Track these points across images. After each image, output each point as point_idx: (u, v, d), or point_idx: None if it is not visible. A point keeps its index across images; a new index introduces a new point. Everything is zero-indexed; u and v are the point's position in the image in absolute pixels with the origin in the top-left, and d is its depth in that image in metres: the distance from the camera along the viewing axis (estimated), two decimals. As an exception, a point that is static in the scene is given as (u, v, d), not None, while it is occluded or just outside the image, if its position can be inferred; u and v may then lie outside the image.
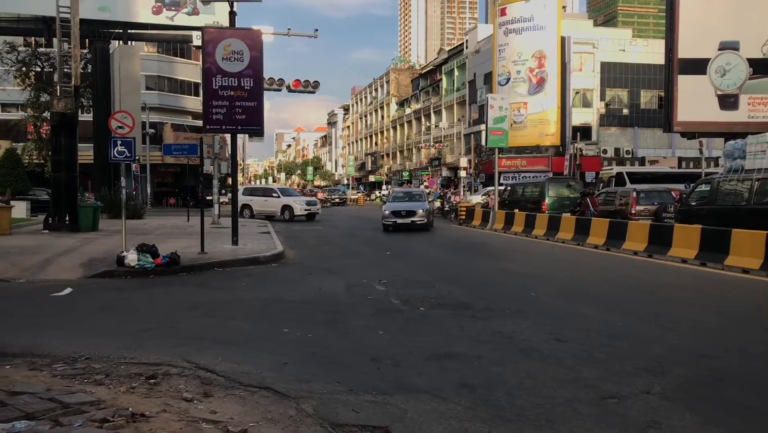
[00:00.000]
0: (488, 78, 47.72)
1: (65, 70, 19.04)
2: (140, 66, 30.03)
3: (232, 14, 17.18)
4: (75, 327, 7.40)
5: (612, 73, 45.46)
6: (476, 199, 32.35)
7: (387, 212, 22.33)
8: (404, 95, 78.05)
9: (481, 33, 55.31)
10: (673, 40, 29.18)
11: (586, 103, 45.51)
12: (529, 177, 38.03)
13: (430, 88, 67.69)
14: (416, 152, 70.11)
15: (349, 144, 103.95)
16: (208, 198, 27.92)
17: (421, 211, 22.15)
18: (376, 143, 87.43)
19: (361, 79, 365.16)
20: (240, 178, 43.08)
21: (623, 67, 45.49)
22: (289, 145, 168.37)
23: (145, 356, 5.76)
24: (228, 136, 20.02)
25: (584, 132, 44.10)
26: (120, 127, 13.21)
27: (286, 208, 29.26)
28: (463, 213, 27.18)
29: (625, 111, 46.27)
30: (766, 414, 4.47)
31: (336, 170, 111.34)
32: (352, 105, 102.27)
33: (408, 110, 74.31)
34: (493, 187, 37.65)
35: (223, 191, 38.45)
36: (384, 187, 69.83)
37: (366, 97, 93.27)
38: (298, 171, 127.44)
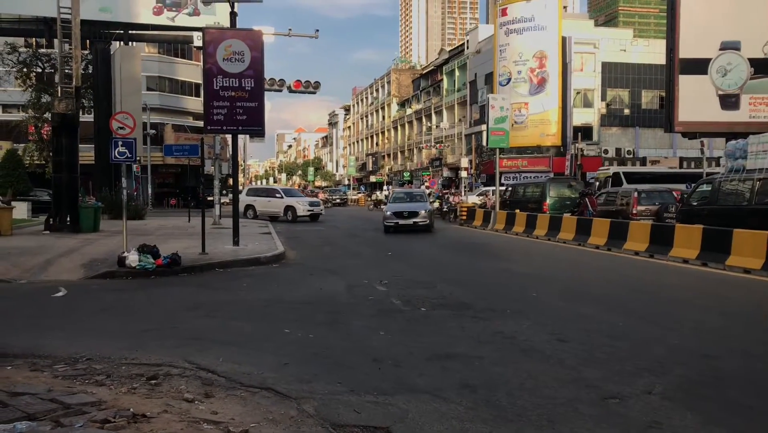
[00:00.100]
0: (489, 78, 47.72)
1: (66, 71, 19.06)
2: (141, 67, 30.03)
3: (233, 15, 17.20)
4: (76, 328, 7.40)
5: (613, 73, 45.44)
6: (471, 199, 32.24)
7: (388, 213, 22.08)
8: (405, 96, 78.05)
9: (481, 33, 55.32)
10: (674, 40, 29.18)
11: (587, 104, 45.48)
12: (531, 177, 38.03)
13: (431, 89, 67.70)
14: (417, 153, 70.09)
15: (350, 144, 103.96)
16: (209, 199, 27.95)
17: (423, 212, 21.97)
18: (377, 144, 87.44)
19: (362, 80, 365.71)
20: (241, 179, 43.13)
21: (624, 67, 45.46)
22: (290, 146, 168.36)
23: (146, 356, 5.76)
24: (229, 137, 20.05)
25: (585, 132, 44.11)
26: (121, 128, 13.22)
27: (289, 208, 29.22)
28: (464, 213, 27.18)
29: (626, 111, 46.25)
30: (768, 414, 4.46)
31: (337, 171, 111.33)
32: (353, 105, 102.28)
33: (409, 111, 74.31)
34: (489, 188, 37.79)
35: (224, 192, 38.51)
36: (385, 187, 69.80)
37: (367, 98, 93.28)
38: (299, 171, 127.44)
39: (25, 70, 30.68)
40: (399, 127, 77.91)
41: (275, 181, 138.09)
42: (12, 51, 30.10)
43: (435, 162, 62.00)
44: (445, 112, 62.10)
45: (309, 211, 29.31)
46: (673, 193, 19.53)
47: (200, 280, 11.24)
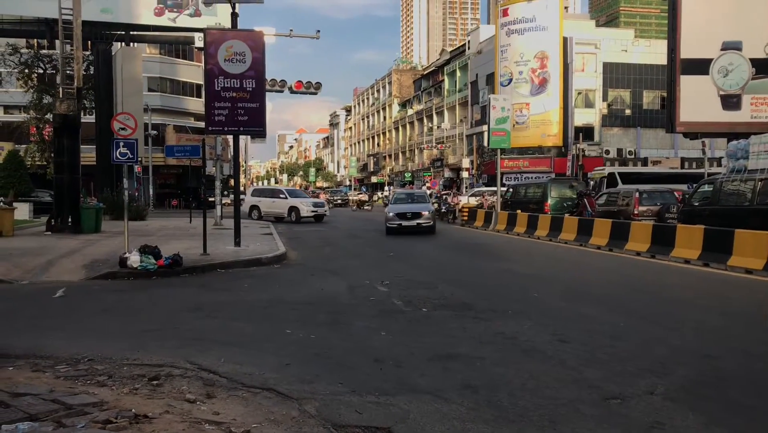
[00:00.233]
0: (490, 79, 47.72)
1: (68, 72, 19.09)
2: (142, 67, 30.08)
3: (234, 15, 17.20)
4: (77, 328, 7.41)
5: (614, 74, 45.43)
6: (465, 200, 32.11)
7: (391, 214, 21.63)
8: (406, 96, 78.09)
9: (483, 34, 55.32)
10: (676, 41, 29.16)
11: (589, 104, 45.48)
12: (532, 178, 38.01)
13: (433, 89, 67.73)
14: (418, 153, 70.10)
15: (351, 145, 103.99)
16: (210, 199, 27.96)
17: (427, 213, 21.57)
18: (378, 144, 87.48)
19: (364, 81, 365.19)
20: (242, 180, 43.16)
21: (625, 67, 45.46)
22: (291, 147, 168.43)
23: (147, 357, 5.76)
24: (230, 138, 20.05)
25: (587, 133, 44.12)
26: (122, 129, 13.22)
27: (293, 209, 29.20)
28: (465, 214, 27.16)
29: (628, 111, 46.24)
30: (770, 415, 4.46)
31: (338, 171, 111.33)
32: (355, 106, 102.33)
33: (410, 111, 74.34)
34: (483, 188, 37.75)
35: (226, 192, 38.52)
36: (386, 188, 69.82)
37: (368, 98, 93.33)
38: (301, 172, 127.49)
39: (26, 71, 30.73)
40: (400, 128, 77.93)
41: (276, 182, 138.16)
42: (14, 52, 30.13)
43: (436, 163, 62.01)
44: (446, 113, 62.11)
45: (313, 212, 29.25)
46: (675, 193, 19.52)
47: (201, 280, 11.24)
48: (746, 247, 11.46)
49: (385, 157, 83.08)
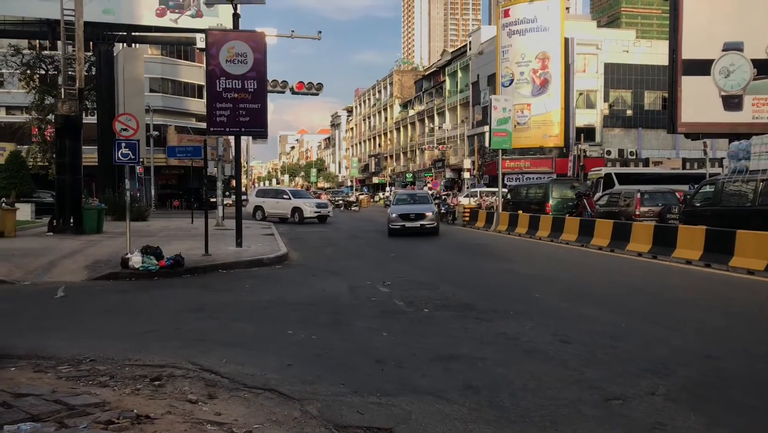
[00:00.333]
0: (491, 79, 47.73)
1: (69, 72, 19.12)
2: (144, 68, 30.16)
3: (236, 16, 17.21)
4: (79, 329, 7.42)
5: (616, 74, 45.41)
6: (463, 201, 32.07)
7: (394, 215, 21.25)
8: (408, 97, 78.10)
9: (484, 34, 55.34)
10: (677, 41, 29.11)
11: (590, 105, 45.46)
12: (533, 178, 38.02)
13: (434, 90, 67.73)
14: (420, 154, 70.12)
15: (352, 146, 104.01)
16: (212, 200, 27.97)
17: (430, 213, 21.27)
18: (379, 145, 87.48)
19: (365, 81, 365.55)
20: (243, 180, 43.14)
21: (627, 68, 45.43)
22: (292, 147, 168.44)
23: (149, 357, 5.77)
24: (232, 139, 20.06)
25: (588, 133, 44.09)
26: (124, 130, 13.24)
27: (296, 210, 29.18)
28: (467, 215, 27.16)
29: (629, 112, 46.21)
30: (772, 416, 4.46)
31: (339, 172, 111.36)
32: (356, 107, 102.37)
33: (411, 112, 74.35)
34: (479, 189, 37.73)
35: (227, 193, 38.54)
36: (387, 189, 69.84)
37: (369, 99, 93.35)
38: (302, 173, 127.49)
39: (28, 71, 30.82)
40: (401, 129, 77.94)
41: (278, 183, 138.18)
42: (15, 53, 30.22)
43: (437, 163, 62.02)
44: (447, 114, 62.12)
45: (316, 213, 29.21)
46: (676, 194, 19.51)
47: (203, 281, 11.25)
48: (748, 247, 11.46)
49: (386, 157, 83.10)
